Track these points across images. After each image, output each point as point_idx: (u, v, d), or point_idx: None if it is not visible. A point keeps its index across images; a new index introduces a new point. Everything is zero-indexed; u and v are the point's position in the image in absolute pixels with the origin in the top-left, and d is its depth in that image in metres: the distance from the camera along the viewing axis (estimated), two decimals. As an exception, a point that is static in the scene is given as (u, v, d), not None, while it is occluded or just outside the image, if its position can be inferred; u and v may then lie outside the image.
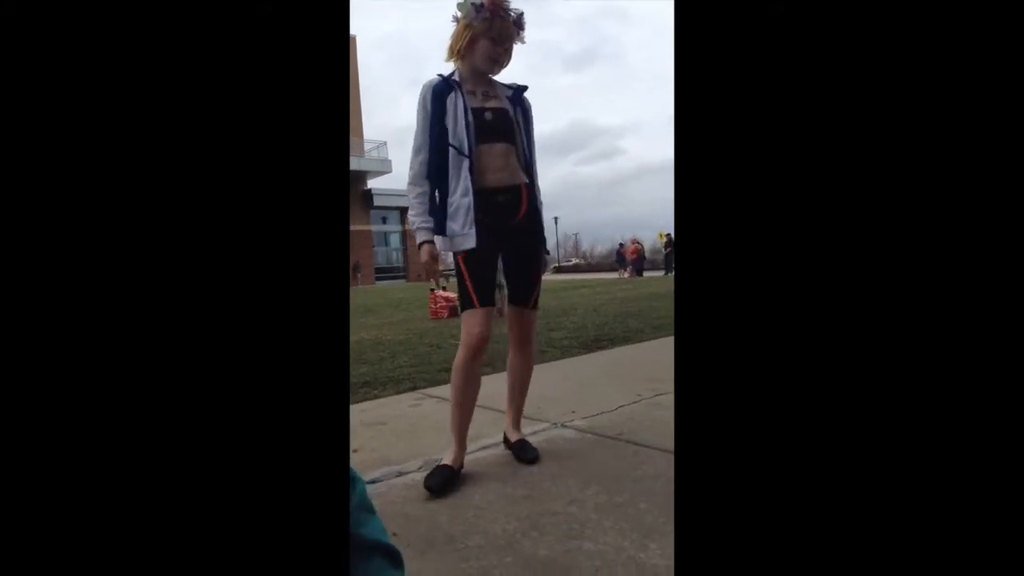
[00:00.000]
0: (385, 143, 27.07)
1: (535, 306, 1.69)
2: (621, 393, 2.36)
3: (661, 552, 1.12)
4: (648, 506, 1.32)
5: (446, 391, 2.65)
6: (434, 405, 2.44)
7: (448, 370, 3.10)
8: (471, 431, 1.98)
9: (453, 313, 6.96)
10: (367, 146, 26.71)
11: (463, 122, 1.55)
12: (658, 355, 3.26)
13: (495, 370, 3.11)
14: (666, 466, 1.56)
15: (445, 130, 1.55)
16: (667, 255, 19.89)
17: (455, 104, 1.56)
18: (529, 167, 1.65)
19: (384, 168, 26.14)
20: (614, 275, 18.55)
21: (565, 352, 3.53)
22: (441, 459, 1.60)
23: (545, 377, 2.90)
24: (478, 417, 2.18)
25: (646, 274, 17.95)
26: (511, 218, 1.61)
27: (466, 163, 1.54)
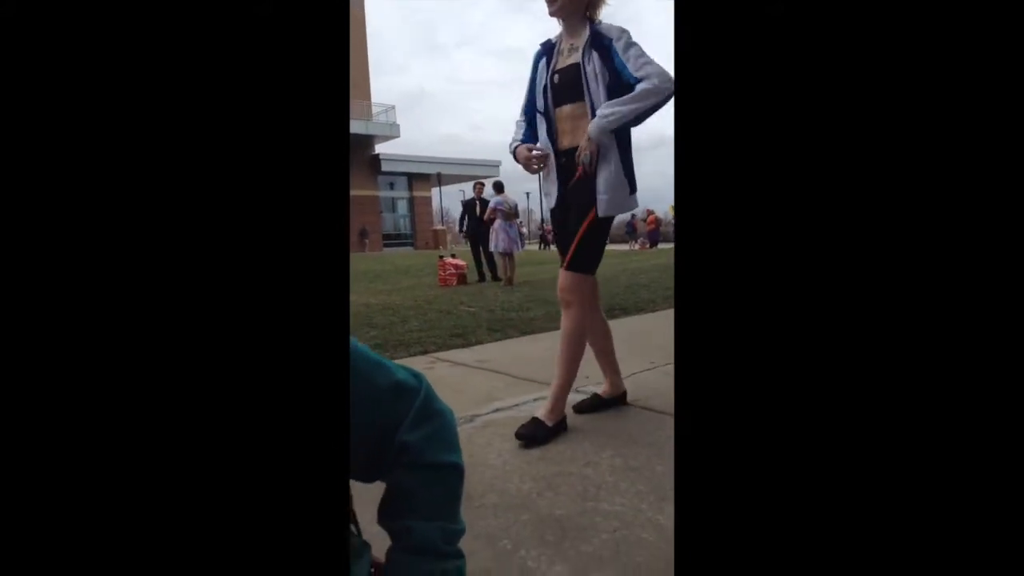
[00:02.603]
0: (394, 107, 26.68)
1: (571, 266, 1.56)
2: (634, 361, 2.35)
3: (678, 515, 1.11)
4: (664, 469, 1.32)
5: (458, 355, 2.66)
6: (447, 369, 2.44)
7: (460, 335, 3.12)
8: (484, 392, 1.99)
9: (462, 281, 6.94)
10: (375, 109, 26.33)
11: (541, 86, 1.63)
12: (670, 325, 3.24)
13: (506, 336, 3.11)
14: (681, 432, 1.55)
15: (532, 96, 1.66)
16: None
17: (542, 69, 1.64)
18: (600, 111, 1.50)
19: (392, 133, 25.78)
20: (625, 247, 18.42)
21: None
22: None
23: (558, 346, 2.89)
24: (491, 381, 2.18)
25: (660, 246, 17.81)
26: (566, 182, 1.61)
27: (543, 126, 1.63)
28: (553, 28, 1.67)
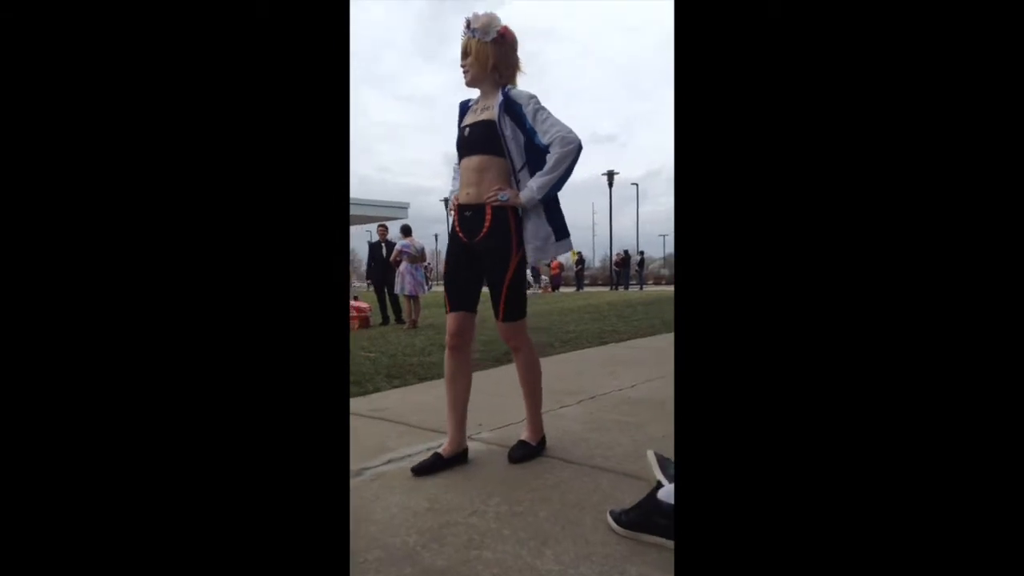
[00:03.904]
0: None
1: (506, 319, 1.72)
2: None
3: (555, 558, 1.17)
4: (547, 514, 1.37)
5: (353, 405, 2.59)
6: (339, 419, 2.37)
7: (356, 383, 3.04)
8: (376, 443, 1.95)
9: (365, 324, 6.76)
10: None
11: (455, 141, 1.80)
12: (564, 369, 3.38)
13: (405, 383, 3.08)
14: (567, 475, 1.63)
15: None
16: (578, 272, 20.63)
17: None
18: (518, 170, 1.68)
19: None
20: (529, 291, 18.95)
21: (476, 365, 3.55)
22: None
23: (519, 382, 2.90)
24: (385, 432, 2.14)
25: (561, 289, 18.48)
26: (475, 235, 1.71)
27: (454, 179, 1.81)
28: (461, 78, 1.79)
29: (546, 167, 1.65)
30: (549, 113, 1.68)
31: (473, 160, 1.70)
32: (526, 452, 1.78)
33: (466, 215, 1.72)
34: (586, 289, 19.87)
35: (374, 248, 7.47)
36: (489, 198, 1.67)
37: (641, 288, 20.12)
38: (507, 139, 1.68)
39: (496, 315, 1.75)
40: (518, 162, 1.69)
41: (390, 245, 7.11)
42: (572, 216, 1.78)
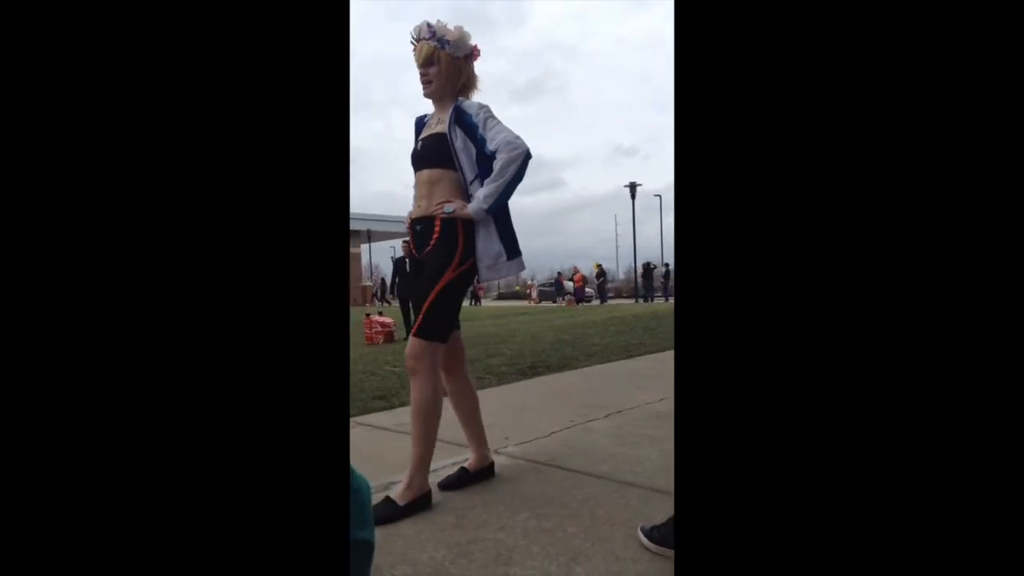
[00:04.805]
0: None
1: (420, 332, 1.57)
2: (555, 419, 2.40)
3: (586, 575, 1.14)
4: (576, 530, 1.35)
5: (379, 419, 2.60)
6: (366, 434, 2.38)
7: (383, 398, 3.05)
8: (402, 457, 1.95)
9: (389, 339, 6.82)
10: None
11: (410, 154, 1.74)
12: (591, 382, 3.35)
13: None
14: (595, 490, 1.60)
15: None
16: (600, 284, 20.52)
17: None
18: (469, 183, 1.63)
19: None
20: (552, 304, 18.89)
21: (503, 379, 3.55)
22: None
23: (482, 404, 2.90)
24: (408, 444, 2.14)
25: (594, 302, 18.41)
26: (424, 249, 1.66)
27: (414, 195, 1.72)
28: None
29: (492, 174, 1.57)
30: (498, 121, 1.62)
31: (424, 174, 1.65)
32: (385, 514, 1.42)
33: (417, 229, 1.66)
34: (610, 301, 19.74)
35: (398, 263, 7.56)
36: (435, 211, 1.60)
37: (667, 300, 19.89)
38: (458, 151, 1.62)
39: (412, 326, 1.62)
40: (469, 174, 1.63)
41: (414, 260, 7.20)
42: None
